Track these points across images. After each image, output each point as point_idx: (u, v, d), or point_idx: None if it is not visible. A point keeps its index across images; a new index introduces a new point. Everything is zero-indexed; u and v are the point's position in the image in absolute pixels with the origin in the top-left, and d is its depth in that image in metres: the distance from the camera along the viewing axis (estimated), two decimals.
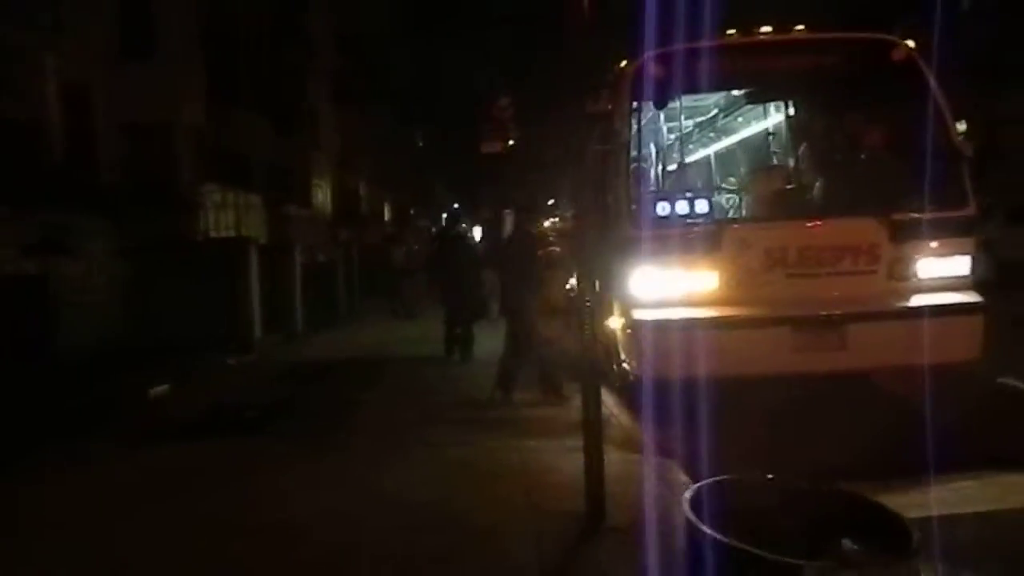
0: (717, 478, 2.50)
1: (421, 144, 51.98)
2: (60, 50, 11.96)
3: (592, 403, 4.26)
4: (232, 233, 14.37)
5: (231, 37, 18.30)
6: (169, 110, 15.00)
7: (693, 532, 2.31)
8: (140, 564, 3.98)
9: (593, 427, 4.24)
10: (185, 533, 4.31)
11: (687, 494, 2.43)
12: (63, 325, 8.40)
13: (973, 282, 6.24)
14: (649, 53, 6.23)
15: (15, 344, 7.54)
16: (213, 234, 14.18)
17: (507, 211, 18.04)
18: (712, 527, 2.29)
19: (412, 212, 50.50)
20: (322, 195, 28.22)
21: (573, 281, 8.09)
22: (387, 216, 43.56)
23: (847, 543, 2.38)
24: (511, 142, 14.50)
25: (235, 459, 5.69)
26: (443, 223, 12.51)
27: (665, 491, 4.90)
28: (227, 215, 15.23)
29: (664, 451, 5.34)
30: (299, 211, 20.38)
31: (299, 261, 12.52)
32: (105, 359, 8.60)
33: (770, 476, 2.65)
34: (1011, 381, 6.79)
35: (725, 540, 2.15)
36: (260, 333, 10.63)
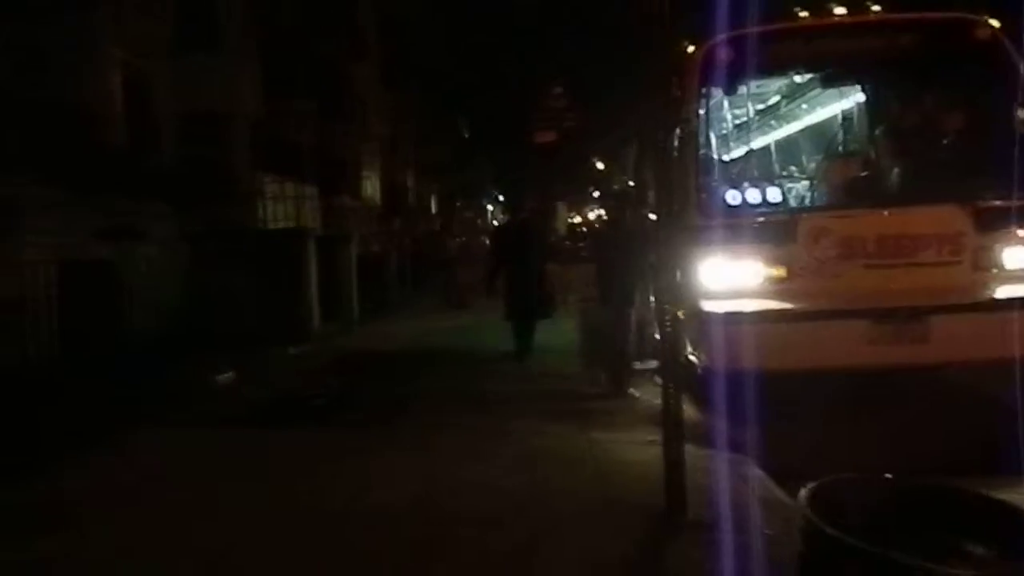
0: (833, 477, 2.39)
1: (466, 135, 52.01)
2: (124, 40, 12.17)
3: (674, 397, 4.15)
4: (291, 223, 14.51)
5: (283, 26, 18.45)
6: (227, 100, 15.17)
7: (814, 532, 2.20)
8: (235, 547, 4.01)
9: (675, 420, 4.13)
10: (271, 518, 4.37)
11: (803, 493, 2.32)
12: (131, 310, 8.55)
13: None
14: (718, 36, 6.06)
15: (88, 329, 7.69)
16: (272, 224, 14.34)
17: (560, 203, 18.02)
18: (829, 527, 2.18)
19: (458, 204, 50.67)
20: (371, 186, 28.36)
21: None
22: (433, 207, 43.71)
23: (979, 549, 2.24)
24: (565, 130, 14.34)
25: (310, 448, 5.70)
26: (511, 211, 11.94)
27: (742, 486, 4.79)
28: (285, 205, 15.38)
29: (735, 445, 5.22)
30: (352, 202, 20.53)
31: (355, 252, 12.59)
32: (168, 344, 8.73)
33: (887, 475, 2.52)
34: None
35: (861, 544, 2.03)
36: (318, 322, 10.71)
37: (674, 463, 4.11)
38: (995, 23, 6.09)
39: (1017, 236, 5.80)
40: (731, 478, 4.79)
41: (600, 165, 43.10)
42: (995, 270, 5.85)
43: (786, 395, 5.44)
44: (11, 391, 6.13)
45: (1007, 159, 5.45)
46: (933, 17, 6.56)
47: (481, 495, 4.53)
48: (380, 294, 13.78)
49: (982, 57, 6.00)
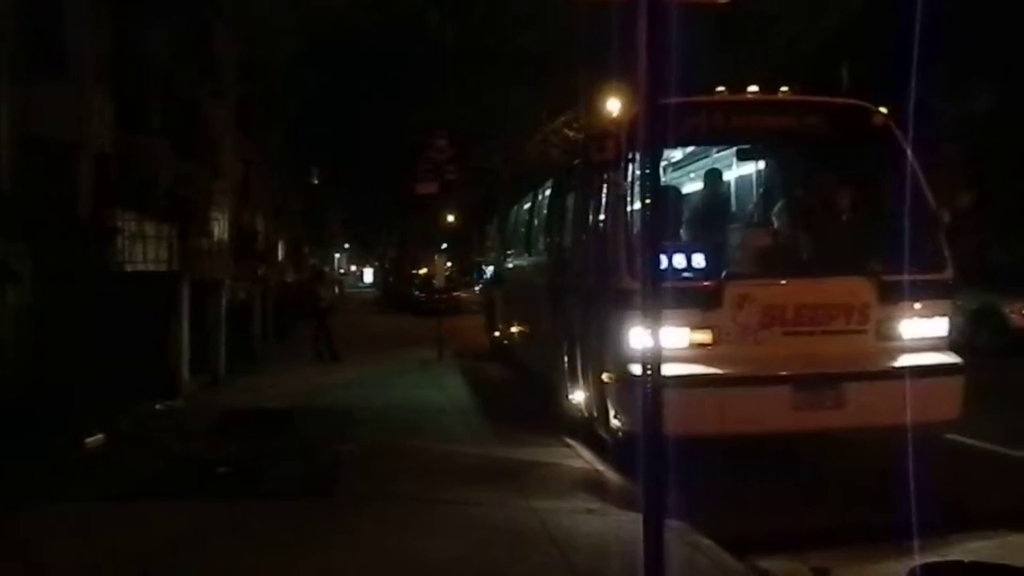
0: (932, 561, 2.30)
1: (316, 182, 51.02)
2: None
3: (656, 480, 3.89)
4: (151, 265, 13.27)
5: (137, 59, 17.38)
6: (75, 129, 13.87)
7: None
8: None
9: (655, 504, 3.88)
10: None
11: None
12: None
13: (950, 342, 6.48)
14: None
15: None
16: (129, 266, 13.06)
17: (438, 255, 17.86)
18: None
19: (306, 250, 49.23)
20: (219, 228, 26.92)
21: None
22: (281, 253, 42.17)
23: None
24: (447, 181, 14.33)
25: (236, 525, 4.93)
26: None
27: (699, 557, 4.69)
28: (144, 245, 14.11)
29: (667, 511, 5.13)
30: (211, 244, 19.33)
31: (225, 299, 11.67)
32: (12, 404, 7.53)
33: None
34: (958, 437, 6.97)
35: None
36: (187, 376, 9.73)
37: (654, 545, 3.87)
38: (883, 111, 6.65)
39: (912, 308, 6.23)
40: (683, 547, 4.69)
41: (450, 218, 43.13)
42: (895, 340, 6.25)
43: (707, 458, 5.47)
44: None
45: (900, 237, 5.89)
46: (832, 101, 7.11)
47: None
48: (246, 346, 12.82)
49: (875, 141, 6.52)
